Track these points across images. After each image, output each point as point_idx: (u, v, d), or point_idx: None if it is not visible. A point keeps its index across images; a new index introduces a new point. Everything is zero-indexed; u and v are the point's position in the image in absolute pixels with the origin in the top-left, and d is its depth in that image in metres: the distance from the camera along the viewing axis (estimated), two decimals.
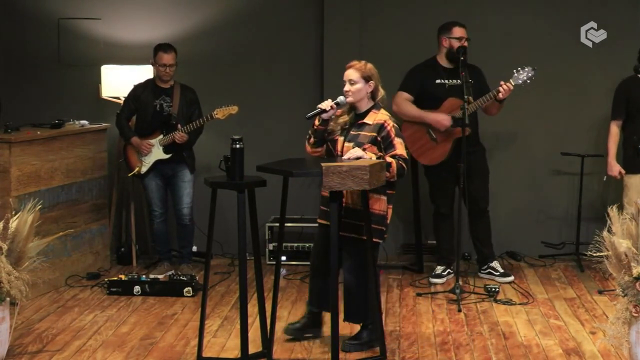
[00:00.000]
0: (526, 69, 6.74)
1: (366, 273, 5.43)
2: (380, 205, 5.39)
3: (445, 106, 6.83)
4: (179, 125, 7.13)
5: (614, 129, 6.96)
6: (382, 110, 5.47)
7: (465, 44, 6.85)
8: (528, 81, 6.76)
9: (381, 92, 5.50)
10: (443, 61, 6.96)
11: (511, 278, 7.02)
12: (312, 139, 5.46)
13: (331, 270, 5.06)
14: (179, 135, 7.12)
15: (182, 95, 7.25)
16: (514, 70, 6.76)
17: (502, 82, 6.70)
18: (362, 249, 5.40)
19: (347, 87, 5.45)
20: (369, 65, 5.48)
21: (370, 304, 5.46)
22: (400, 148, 5.34)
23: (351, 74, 5.45)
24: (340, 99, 5.44)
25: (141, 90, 7.26)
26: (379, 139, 5.36)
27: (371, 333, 5.52)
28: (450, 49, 6.89)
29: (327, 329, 5.67)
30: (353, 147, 5.32)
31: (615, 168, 6.93)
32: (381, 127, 5.37)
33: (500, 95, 6.69)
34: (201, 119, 7.13)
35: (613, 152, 6.96)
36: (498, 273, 7.08)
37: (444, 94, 6.87)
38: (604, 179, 7.19)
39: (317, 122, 5.43)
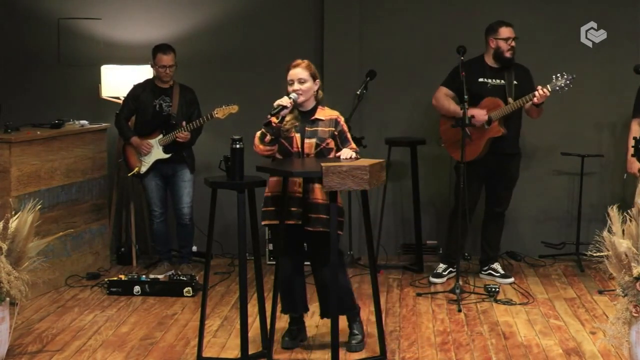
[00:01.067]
0: (565, 76, 6.70)
1: (342, 264, 5.50)
2: (339, 198, 5.45)
3: (483, 104, 6.83)
4: (184, 123, 7.12)
5: (635, 127, 6.90)
6: (326, 107, 5.55)
7: (513, 43, 6.85)
8: (566, 88, 6.72)
9: (320, 91, 5.55)
10: (490, 61, 6.93)
11: (511, 279, 7.01)
12: (268, 137, 5.36)
13: (331, 270, 5.05)
14: (183, 135, 7.11)
15: (182, 96, 7.25)
16: (553, 76, 6.71)
17: (539, 87, 6.67)
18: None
19: (297, 86, 5.41)
20: (311, 64, 5.51)
21: (350, 294, 5.57)
22: (352, 141, 5.52)
23: (300, 72, 5.42)
24: (294, 95, 5.40)
25: (141, 90, 7.26)
26: (335, 133, 5.45)
27: (360, 324, 5.60)
28: (497, 50, 6.88)
29: (327, 330, 5.67)
30: (315, 143, 5.39)
31: (634, 165, 6.86)
32: (336, 122, 5.46)
33: (535, 100, 6.67)
34: (201, 118, 7.13)
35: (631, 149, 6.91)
36: (499, 274, 7.08)
37: (486, 92, 6.85)
38: (624, 177, 7.16)
39: (276, 120, 5.38)
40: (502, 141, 6.84)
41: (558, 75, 6.72)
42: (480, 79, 6.91)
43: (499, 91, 6.81)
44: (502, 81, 6.84)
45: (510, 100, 6.78)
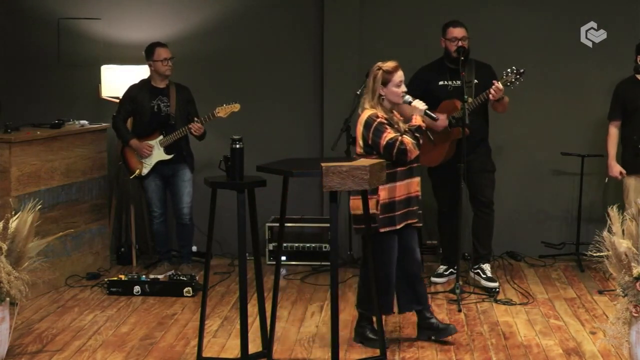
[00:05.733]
0: (515, 71, 6.60)
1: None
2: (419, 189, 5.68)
3: (442, 107, 6.79)
4: (196, 119, 7.11)
5: (612, 130, 7.03)
6: None
7: (461, 43, 6.78)
8: (517, 83, 6.66)
9: None
10: (447, 62, 6.92)
11: (496, 284, 6.82)
12: (421, 140, 5.48)
13: (331, 268, 5.05)
14: (196, 127, 7.09)
15: (179, 95, 7.24)
16: (504, 72, 6.67)
17: (494, 82, 6.64)
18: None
19: (404, 88, 5.51)
20: None
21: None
22: None
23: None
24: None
25: (137, 91, 7.25)
26: None
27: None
28: (446, 50, 6.87)
29: (327, 330, 5.67)
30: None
31: (615, 169, 6.97)
32: None
33: (491, 97, 6.64)
34: (203, 117, 7.11)
35: (612, 153, 7.02)
36: (485, 276, 6.90)
37: (446, 95, 6.83)
38: (606, 181, 7.20)
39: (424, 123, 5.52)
40: (465, 140, 6.71)
41: (508, 70, 6.64)
42: (441, 82, 6.89)
43: (460, 93, 6.72)
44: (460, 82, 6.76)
45: (469, 100, 6.68)
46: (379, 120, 5.40)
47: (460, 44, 6.77)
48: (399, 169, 5.42)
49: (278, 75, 7.99)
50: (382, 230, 5.41)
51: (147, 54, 7.20)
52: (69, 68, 8.01)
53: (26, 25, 8.05)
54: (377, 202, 5.39)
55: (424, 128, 5.48)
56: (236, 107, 7.13)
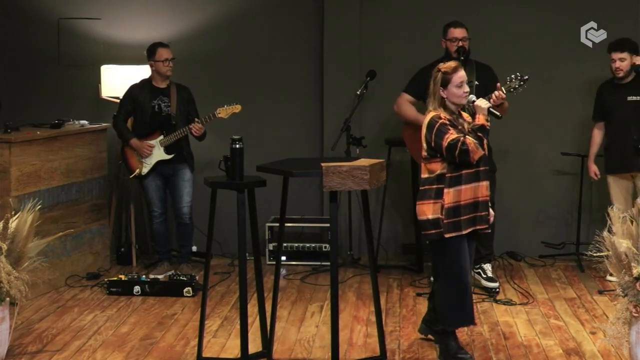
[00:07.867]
0: (519, 77, 6.53)
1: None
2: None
3: None
4: (196, 119, 7.11)
5: (593, 131, 7.24)
6: None
7: (461, 44, 6.76)
8: (520, 90, 6.62)
9: None
10: None
11: (496, 284, 6.81)
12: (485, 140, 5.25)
13: (331, 268, 5.05)
14: (197, 127, 7.08)
15: (179, 95, 7.24)
16: (507, 77, 6.64)
17: (498, 84, 6.61)
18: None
19: (467, 88, 5.27)
20: None
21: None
22: None
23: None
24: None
25: (138, 91, 7.25)
26: None
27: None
28: (446, 51, 6.86)
29: (327, 330, 5.67)
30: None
31: (590, 169, 7.24)
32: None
33: (492, 101, 6.59)
34: (203, 118, 7.11)
35: (590, 153, 7.25)
36: (485, 276, 6.87)
37: None
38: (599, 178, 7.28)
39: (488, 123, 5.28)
40: None
41: (512, 76, 6.57)
42: None
43: None
44: None
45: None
46: (441, 121, 5.16)
47: (460, 44, 6.76)
48: (464, 171, 5.18)
49: (278, 75, 8.00)
50: (447, 235, 5.19)
51: (149, 53, 7.20)
52: (69, 68, 8.02)
53: (26, 25, 8.05)
54: (442, 206, 5.18)
55: (487, 127, 5.24)
56: (237, 108, 7.13)
